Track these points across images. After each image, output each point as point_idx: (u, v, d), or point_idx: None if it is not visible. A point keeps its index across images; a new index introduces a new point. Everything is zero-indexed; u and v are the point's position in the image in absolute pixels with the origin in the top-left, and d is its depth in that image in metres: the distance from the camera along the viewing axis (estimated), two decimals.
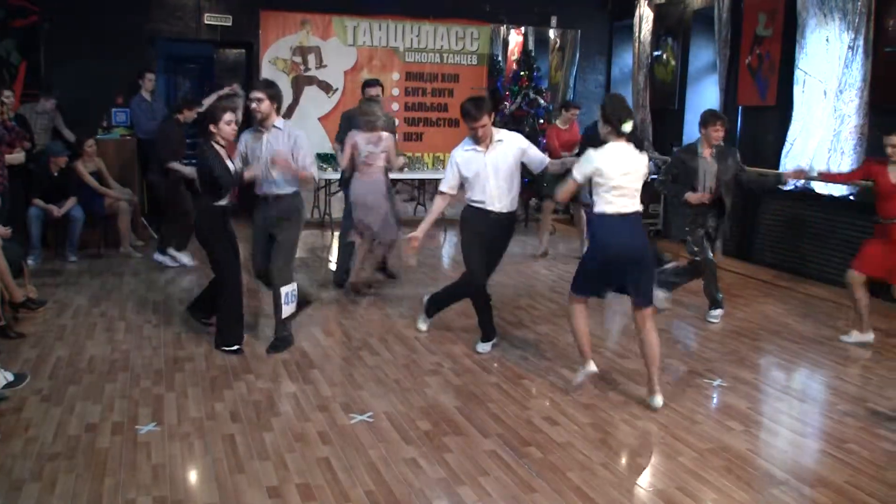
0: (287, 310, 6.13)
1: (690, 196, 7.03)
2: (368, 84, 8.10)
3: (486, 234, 6.08)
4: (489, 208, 6.02)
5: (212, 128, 5.93)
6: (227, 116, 5.95)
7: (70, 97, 10.34)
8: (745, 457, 4.54)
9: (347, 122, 7.97)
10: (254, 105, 5.93)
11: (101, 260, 9.06)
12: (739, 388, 5.62)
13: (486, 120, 5.90)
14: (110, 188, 9.34)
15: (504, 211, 6.05)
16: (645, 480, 4.31)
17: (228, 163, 5.97)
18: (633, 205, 5.15)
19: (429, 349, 6.29)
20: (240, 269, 6.22)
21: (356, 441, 4.60)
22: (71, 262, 8.89)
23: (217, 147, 5.95)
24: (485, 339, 6.29)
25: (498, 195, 6.00)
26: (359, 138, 7.40)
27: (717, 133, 7.01)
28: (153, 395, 5.21)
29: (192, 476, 4.19)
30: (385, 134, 7.45)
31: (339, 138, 7.98)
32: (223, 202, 6.03)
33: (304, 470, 4.23)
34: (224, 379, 5.53)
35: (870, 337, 6.66)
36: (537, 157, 6.15)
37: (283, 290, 6.06)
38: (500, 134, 6.06)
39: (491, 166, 5.96)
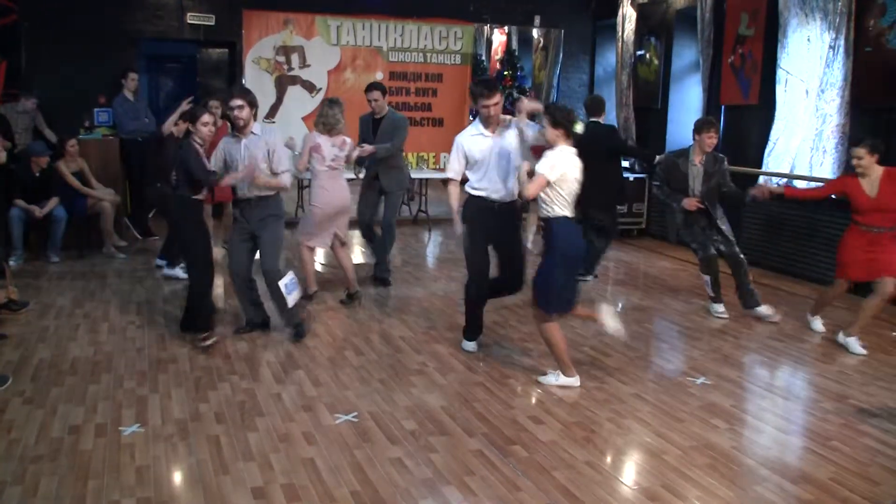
0: (292, 298, 6.30)
1: (687, 203, 7.17)
2: (367, 88, 8.06)
3: (491, 230, 5.94)
4: (493, 197, 5.89)
5: (190, 127, 6.20)
6: (205, 118, 6.17)
7: (52, 97, 10.29)
8: (729, 454, 4.56)
9: (365, 125, 8.04)
10: (235, 112, 6.09)
11: (84, 260, 9.00)
12: (723, 386, 5.65)
13: (497, 98, 5.77)
14: (93, 188, 9.28)
15: (507, 200, 5.92)
16: (630, 479, 4.33)
17: (206, 162, 6.18)
18: None
19: (414, 349, 6.29)
20: (212, 260, 6.40)
21: (341, 441, 4.59)
22: (53, 262, 8.82)
23: (196, 146, 6.14)
24: (470, 338, 6.28)
25: (503, 182, 5.87)
26: (321, 141, 7.19)
27: (711, 140, 7.16)
28: (137, 397, 5.18)
29: (177, 477, 4.18)
30: (348, 139, 7.32)
31: (360, 142, 7.87)
32: (200, 196, 6.25)
33: (289, 470, 4.22)
34: (208, 380, 5.51)
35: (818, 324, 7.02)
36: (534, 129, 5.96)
37: (281, 283, 6.21)
38: (508, 118, 5.95)
39: (497, 151, 5.85)
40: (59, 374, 5.55)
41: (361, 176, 8.24)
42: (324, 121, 7.21)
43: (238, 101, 6.08)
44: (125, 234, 10.00)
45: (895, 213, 6.35)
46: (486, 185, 5.90)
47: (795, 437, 4.87)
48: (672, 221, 7.59)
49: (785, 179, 8.99)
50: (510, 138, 5.87)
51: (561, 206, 5.29)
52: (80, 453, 4.36)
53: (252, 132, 6.17)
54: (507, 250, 6.08)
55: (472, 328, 6.28)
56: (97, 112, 10.59)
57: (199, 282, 6.25)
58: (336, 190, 7.29)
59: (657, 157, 8.48)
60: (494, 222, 5.93)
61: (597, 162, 8.22)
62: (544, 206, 5.34)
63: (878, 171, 6.35)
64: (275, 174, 6.20)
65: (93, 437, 4.56)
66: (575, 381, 5.55)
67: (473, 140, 5.93)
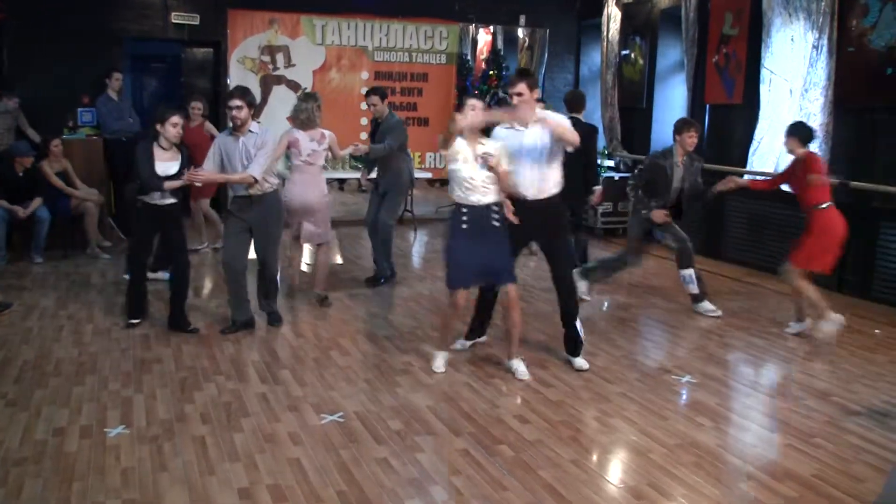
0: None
1: (656, 214, 7.26)
2: (366, 94, 8.24)
3: (527, 229, 5.68)
4: (526, 194, 5.68)
5: (157, 127, 6.27)
6: (174, 119, 6.27)
7: (35, 96, 10.22)
8: (714, 452, 4.58)
9: (373, 129, 8.24)
10: (234, 112, 6.16)
11: (68, 261, 8.96)
12: (708, 385, 5.67)
13: (519, 87, 5.52)
14: (77, 189, 9.24)
15: (540, 197, 5.70)
16: (616, 477, 4.34)
17: (160, 165, 6.26)
18: None
19: (399, 348, 6.28)
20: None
21: (327, 441, 4.58)
22: (37, 263, 8.77)
23: (156, 148, 6.27)
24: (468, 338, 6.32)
25: (534, 177, 5.66)
26: (299, 136, 7.14)
27: (692, 140, 7.22)
28: (122, 398, 5.15)
29: (163, 479, 4.15)
30: (327, 132, 7.27)
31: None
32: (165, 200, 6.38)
33: (275, 471, 4.21)
34: (193, 380, 5.49)
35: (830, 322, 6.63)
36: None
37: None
38: (545, 114, 5.72)
39: (526, 145, 5.65)
40: (42, 375, 5.52)
41: (371, 177, 8.31)
42: (299, 116, 7.20)
43: (237, 102, 6.15)
44: (110, 235, 9.95)
45: (801, 195, 6.64)
46: (518, 181, 5.63)
47: (780, 435, 4.89)
48: (641, 220, 7.45)
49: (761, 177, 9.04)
50: (539, 133, 5.63)
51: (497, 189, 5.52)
52: (65, 455, 4.34)
53: (250, 130, 6.24)
54: (553, 252, 5.87)
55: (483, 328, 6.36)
56: (81, 112, 10.53)
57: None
58: (306, 184, 7.17)
59: (596, 187, 8.33)
60: (529, 221, 5.64)
61: (578, 156, 8.25)
62: (491, 188, 5.47)
63: (802, 155, 6.59)
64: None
65: (77, 439, 4.54)
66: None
67: (506, 133, 5.73)
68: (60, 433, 4.61)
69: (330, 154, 7.36)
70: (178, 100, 13.10)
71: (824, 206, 6.51)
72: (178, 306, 6.52)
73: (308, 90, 11.43)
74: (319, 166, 7.29)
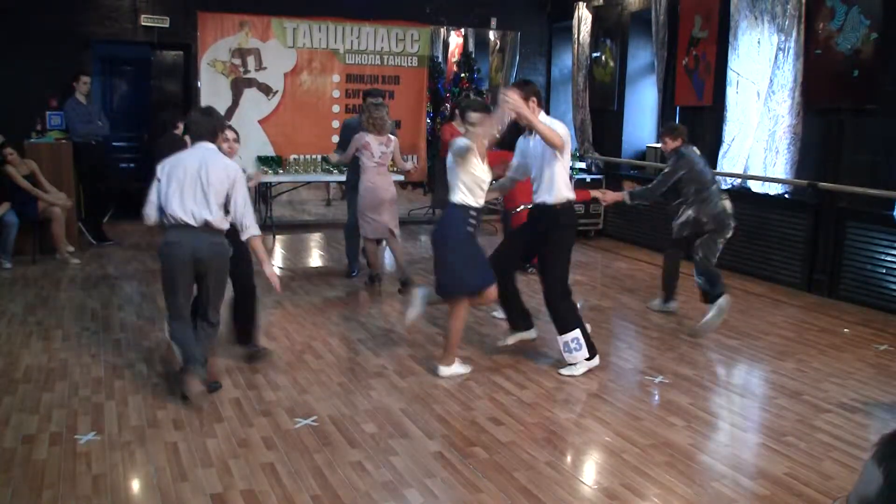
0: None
1: None
2: (370, 94, 8.55)
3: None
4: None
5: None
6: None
7: (2, 100, 10.09)
8: (687, 452, 4.61)
9: (349, 130, 8.43)
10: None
11: (37, 266, 8.86)
12: (681, 385, 5.71)
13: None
14: (46, 191, 9.12)
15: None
16: (590, 478, 4.35)
17: None
18: None
19: (373, 351, 6.27)
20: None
21: (301, 445, 4.57)
22: (5, 268, 8.67)
23: None
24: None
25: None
26: (370, 139, 7.87)
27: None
28: (93, 404, 5.10)
29: (135, 485, 4.12)
30: (394, 137, 8.01)
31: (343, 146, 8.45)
32: None
33: (248, 476, 4.18)
34: (165, 385, 5.44)
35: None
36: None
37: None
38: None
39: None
40: (11, 382, 5.45)
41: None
42: (373, 122, 7.84)
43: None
44: (79, 240, 9.85)
45: None
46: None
47: (751, 434, 4.94)
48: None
49: (738, 181, 9.13)
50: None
51: None
52: (34, 463, 4.29)
53: None
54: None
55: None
56: (49, 115, 10.41)
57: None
58: (381, 184, 7.96)
59: None
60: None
61: None
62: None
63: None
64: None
65: (47, 447, 4.48)
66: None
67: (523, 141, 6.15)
68: (30, 440, 4.56)
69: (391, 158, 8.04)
70: (147, 103, 13.03)
71: None
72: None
73: (278, 92, 11.47)
74: (387, 167, 8.04)
